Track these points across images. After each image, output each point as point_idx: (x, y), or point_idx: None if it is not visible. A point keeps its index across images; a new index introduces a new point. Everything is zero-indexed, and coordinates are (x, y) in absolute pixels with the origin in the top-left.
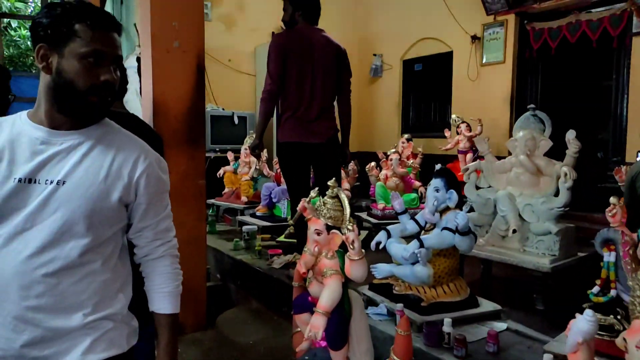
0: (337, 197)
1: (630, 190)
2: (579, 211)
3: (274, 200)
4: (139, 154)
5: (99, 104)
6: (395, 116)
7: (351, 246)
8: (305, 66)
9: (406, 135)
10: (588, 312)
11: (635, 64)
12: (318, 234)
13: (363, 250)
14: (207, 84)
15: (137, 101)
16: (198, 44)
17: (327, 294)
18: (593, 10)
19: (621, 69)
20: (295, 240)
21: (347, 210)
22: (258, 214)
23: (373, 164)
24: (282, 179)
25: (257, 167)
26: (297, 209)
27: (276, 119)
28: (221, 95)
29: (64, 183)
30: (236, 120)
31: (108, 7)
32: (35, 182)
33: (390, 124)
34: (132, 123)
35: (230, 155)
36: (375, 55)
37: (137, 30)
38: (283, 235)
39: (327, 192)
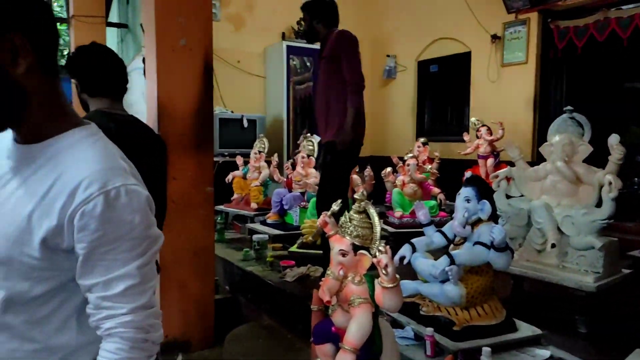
0: (365, 212)
1: None
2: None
3: (286, 207)
4: (82, 179)
5: None
6: (410, 119)
7: (384, 271)
8: None
9: (422, 139)
10: None
11: None
12: (343, 255)
13: (398, 276)
14: (216, 85)
15: (143, 104)
16: (206, 41)
17: (355, 328)
18: (623, 7)
19: None
20: (309, 251)
21: (378, 228)
22: (269, 221)
23: (389, 169)
24: (288, 184)
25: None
26: (318, 223)
27: (323, 114)
28: (230, 97)
29: None
30: (245, 124)
31: (114, 7)
32: None
33: (405, 127)
34: (132, 127)
35: (239, 160)
36: (388, 56)
37: (143, 31)
38: (295, 245)
39: (353, 206)
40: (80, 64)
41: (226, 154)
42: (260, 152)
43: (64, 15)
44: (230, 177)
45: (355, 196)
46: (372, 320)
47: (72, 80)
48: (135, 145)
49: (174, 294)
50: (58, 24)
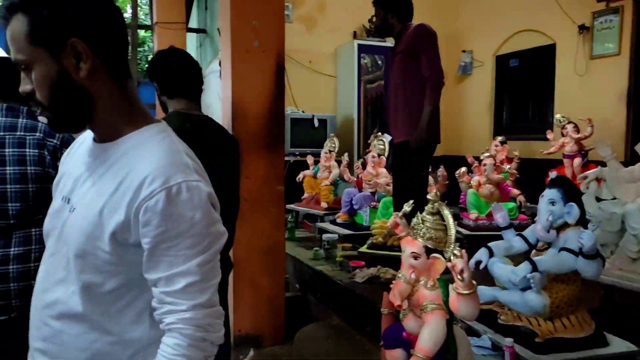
0: (439, 213)
1: None
2: None
3: (355, 207)
4: (145, 175)
5: (46, 117)
6: (487, 117)
7: (459, 277)
8: None
9: (500, 138)
10: None
11: None
12: (415, 257)
13: (474, 282)
14: (288, 86)
15: (219, 106)
16: (278, 43)
17: (428, 335)
18: None
19: None
20: (379, 252)
21: (453, 231)
22: (338, 220)
23: (464, 169)
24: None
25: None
26: (388, 224)
27: (396, 112)
28: (301, 97)
29: (74, 210)
30: (316, 123)
31: (193, 13)
32: (68, 202)
33: (481, 125)
34: (207, 127)
35: (309, 159)
36: (464, 51)
37: (220, 35)
38: (365, 246)
39: (426, 207)
40: (159, 67)
41: (297, 153)
42: (330, 151)
43: (148, 22)
44: (300, 176)
45: (429, 197)
46: (446, 327)
47: (154, 84)
48: (209, 144)
49: (245, 290)
50: (142, 31)
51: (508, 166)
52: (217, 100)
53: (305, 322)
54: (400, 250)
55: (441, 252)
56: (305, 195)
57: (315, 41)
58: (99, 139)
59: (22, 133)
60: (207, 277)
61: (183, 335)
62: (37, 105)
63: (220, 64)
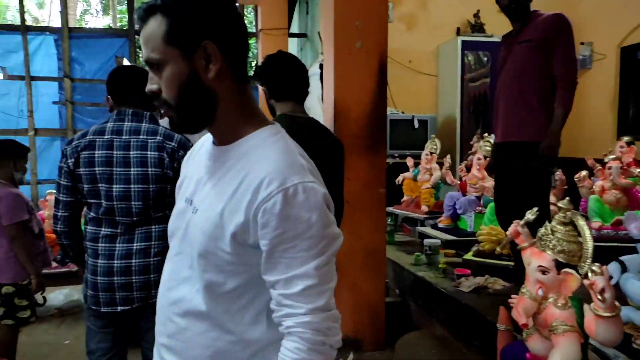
0: (571, 223)
1: None
2: None
3: (459, 211)
4: (264, 176)
5: (169, 117)
6: (609, 115)
7: (599, 296)
8: None
9: (626, 138)
10: None
11: None
12: (543, 272)
13: (618, 304)
14: (387, 86)
15: (319, 108)
16: (381, 43)
17: (560, 359)
18: None
19: None
20: (486, 260)
21: (590, 244)
22: (440, 225)
23: (584, 172)
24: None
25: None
26: (508, 233)
27: (509, 108)
28: (401, 98)
29: (197, 211)
30: (416, 124)
31: (295, 19)
32: (190, 204)
33: (602, 124)
34: (312, 128)
35: (409, 161)
36: (582, 44)
37: (320, 38)
38: (471, 253)
39: (556, 217)
40: (269, 71)
41: (396, 155)
42: (431, 153)
43: (253, 30)
44: (400, 178)
45: (560, 204)
46: (581, 352)
47: (261, 87)
48: (314, 146)
49: (346, 293)
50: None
51: (638, 170)
52: (317, 103)
53: (405, 329)
54: (509, 260)
55: (574, 267)
56: (405, 198)
57: (416, 40)
58: (218, 141)
59: (144, 136)
60: (324, 280)
61: (302, 339)
62: (163, 104)
63: (320, 67)
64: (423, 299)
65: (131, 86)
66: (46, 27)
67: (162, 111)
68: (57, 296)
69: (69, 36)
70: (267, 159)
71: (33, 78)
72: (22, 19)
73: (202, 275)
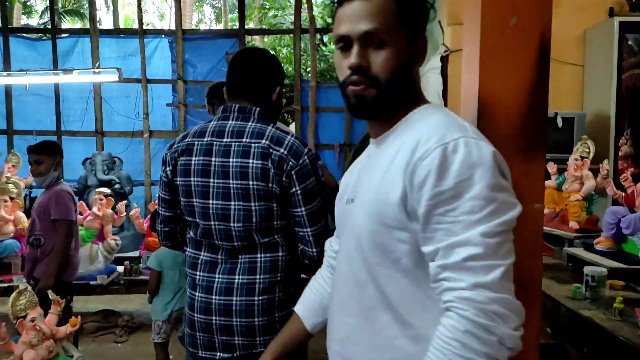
0: None
1: None
2: None
3: (626, 231)
4: (420, 136)
5: (354, 98)
6: None
7: None
8: None
9: None
10: None
11: None
12: None
13: None
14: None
15: (440, 104)
16: (543, 18)
17: None
18: None
19: None
20: None
21: None
22: (598, 247)
23: None
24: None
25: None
26: None
27: None
28: None
29: (352, 201)
30: (559, 123)
31: None
32: (351, 202)
33: None
34: None
35: (551, 167)
36: None
37: (441, 29)
38: None
39: None
40: None
41: None
42: (582, 157)
43: None
44: None
45: None
46: None
47: None
48: None
49: None
50: None
51: None
52: (436, 99)
53: None
54: None
55: None
56: (546, 211)
57: (558, 25)
58: (381, 129)
59: (248, 139)
60: (494, 252)
61: (461, 316)
62: (368, 80)
63: (442, 59)
64: (590, 346)
65: (244, 69)
66: (161, 30)
67: (357, 87)
68: None
69: (182, 38)
70: (424, 121)
71: (149, 81)
72: (140, 23)
73: (371, 269)
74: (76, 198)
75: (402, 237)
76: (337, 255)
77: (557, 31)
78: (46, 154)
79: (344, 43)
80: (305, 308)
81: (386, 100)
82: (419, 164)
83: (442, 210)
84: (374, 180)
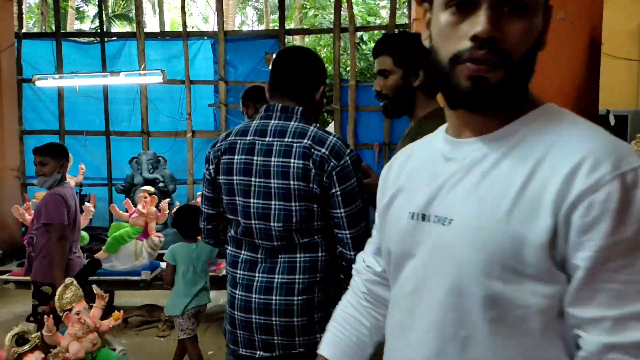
0: None
1: None
2: None
3: None
4: (582, 157)
5: (470, 81)
6: None
7: None
8: None
9: None
10: None
11: None
12: None
13: None
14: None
15: None
16: (594, 9)
17: None
18: None
19: None
20: None
21: None
22: None
23: None
24: None
25: None
26: None
27: None
28: None
29: (450, 222)
30: (612, 121)
31: None
32: (426, 219)
33: None
34: None
35: None
36: None
37: None
38: None
39: None
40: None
41: None
42: None
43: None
44: None
45: None
46: None
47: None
48: None
49: None
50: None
51: None
52: None
53: None
54: None
55: None
56: None
57: (610, 17)
58: (476, 129)
59: (290, 139)
60: None
61: None
62: (493, 56)
63: None
64: None
65: (285, 69)
66: (204, 32)
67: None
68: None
69: (224, 40)
70: (574, 135)
71: (192, 82)
72: (184, 25)
73: (482, 320)
74: (76, 199)
75: (538, 291)
76: (398, 287)
77: (609, 24)
78: (50, 156)
79: (458, 6)
80: (336, 352)
81: (513, 86)
82: (584, 198)
83: (615, 265)
84: (493, 206)
